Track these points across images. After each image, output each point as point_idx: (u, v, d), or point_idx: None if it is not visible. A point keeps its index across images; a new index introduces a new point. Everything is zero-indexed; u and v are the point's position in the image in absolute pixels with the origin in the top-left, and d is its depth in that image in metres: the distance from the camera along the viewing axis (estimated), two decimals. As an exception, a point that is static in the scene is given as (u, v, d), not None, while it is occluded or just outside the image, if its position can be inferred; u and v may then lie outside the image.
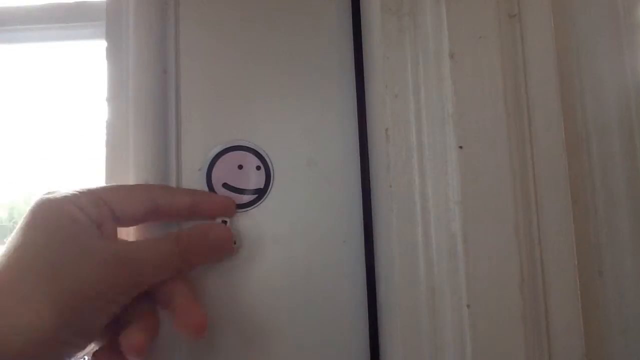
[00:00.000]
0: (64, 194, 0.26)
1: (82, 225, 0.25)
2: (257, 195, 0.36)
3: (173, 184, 0.36)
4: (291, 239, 0.36)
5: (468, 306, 0.28)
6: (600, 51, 0.34)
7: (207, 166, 0.36)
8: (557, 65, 0.29)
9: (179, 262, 0.29)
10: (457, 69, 0.29)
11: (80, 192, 0.27)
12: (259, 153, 0.36)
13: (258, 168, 0.36)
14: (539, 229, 0.28)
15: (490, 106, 0.29)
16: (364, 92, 0.36)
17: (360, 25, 0.36)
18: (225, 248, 0.32)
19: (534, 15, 0.30)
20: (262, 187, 0.36)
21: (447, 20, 0.29)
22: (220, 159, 0.36)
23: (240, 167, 0.36)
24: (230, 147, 0.36)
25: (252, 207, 0.36)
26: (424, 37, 0.30)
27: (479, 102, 0.29)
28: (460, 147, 0.29)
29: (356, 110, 0.36)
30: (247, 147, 0.36)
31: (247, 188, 0.36)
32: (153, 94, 0.36)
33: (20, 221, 0.26)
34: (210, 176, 0.36)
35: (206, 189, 0.35)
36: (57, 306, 0.23)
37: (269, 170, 0.36)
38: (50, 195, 0.26)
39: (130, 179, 0.35)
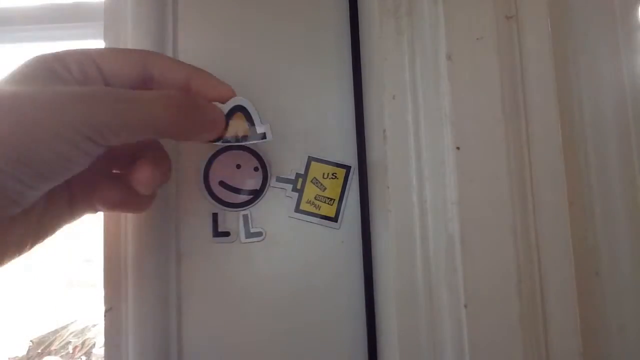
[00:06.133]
0: (54, 52, 0.24)
1: (61, 79, 0.24)
2: (252, 196, 0.36)
3: (172, 182, 0.36)
4: (289, 240, 0.36)
5: (466, 306, 0.28)
6: (598, 52, 0.34)
7: (204, 163, 0.36)
8: (554, 66, 0.29)
9: (168, 125, 0.25)
10: (454, 70, 0.29)
11: (71, 51, 0.25)
12: (257, 154, 0.36)
13: (256, 169, 0.36)
14: (536, 229, 0.28)
15: (487, 107, 0.29)
16: (362, 93, 0.36)
17: (358, 26, 0.36)
18: (219, 126, 0.28)
19: (531, 16, 0.30)
20: (257, 188, 0.36)
21: (444, 21, 0.30)
22: (219, 157, 0.36)
23: (238, 166, 0.36)
24: (229, 145, 0.36)
25: (247, 207, 0.36)
26: (422, 38, 0.30)
27: (476, 103, 0.29)
28: (458, 148, 0.29)
29: (354, 111, 0.36)
30: (246, 146, 0.37)
31: (243, 188, 0.36)
32: (152, 94, 0.36)
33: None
34: (208, 173, 0.36)
35: (202, 185, 0.36)
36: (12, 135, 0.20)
37: (267, 172, 0.36)
38: (42, 53, 0.24)
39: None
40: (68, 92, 0.23)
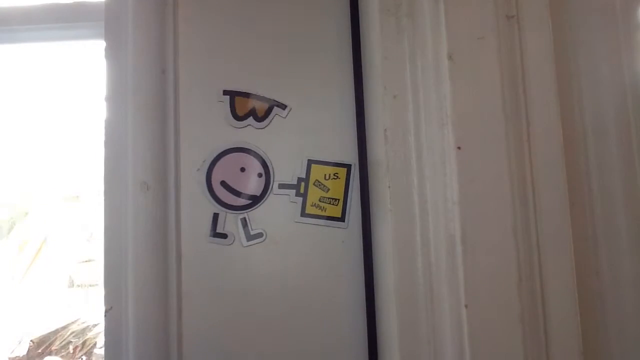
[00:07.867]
0: None
1: None
2: (251, 201, 0.36)
3: (172, 182, 0.36)
4: (290, 240, 0.36)
5: (466, 306, 0.28)
6: (598, 52, 0.34)
7: (209, 162, 0.36)
8: (555, 66, 0.29)
9: None
10: (455, 70, 0.29)
11: None
12: (263, 160, 0.37)
13: (260, 175, 0.36)
14: (536, 229, 0.28)
15: (488, 107, 0.29)
16: (363, 93, 0.36)
17: (359, 27, 0.36)
18: None
19: (532, 16, 0.30)
20: (258, 194, 0.36)
21: (445, 21, 0.29)
22: (224, 158, 0.36)
23: (242, 169, 0.36)
24: (235, 147, 0.37)
25: (246, 211, 0.36)
26: (423, 38, 0.30)
27: (477, 103, 0.29)
28: (459, 147, 0.29)
29: (354, 110, 0.36)
30: (254, 151, 0.37)
31: (244, 192, 0.36)
32: (152, 94, 0.36)
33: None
34: (211, 173, 0.36)
35: (204, 185, 0.36)
36: None
37: (270, 178, 0.36)
38: None
39: (128, 178, 0.35)
40: None
